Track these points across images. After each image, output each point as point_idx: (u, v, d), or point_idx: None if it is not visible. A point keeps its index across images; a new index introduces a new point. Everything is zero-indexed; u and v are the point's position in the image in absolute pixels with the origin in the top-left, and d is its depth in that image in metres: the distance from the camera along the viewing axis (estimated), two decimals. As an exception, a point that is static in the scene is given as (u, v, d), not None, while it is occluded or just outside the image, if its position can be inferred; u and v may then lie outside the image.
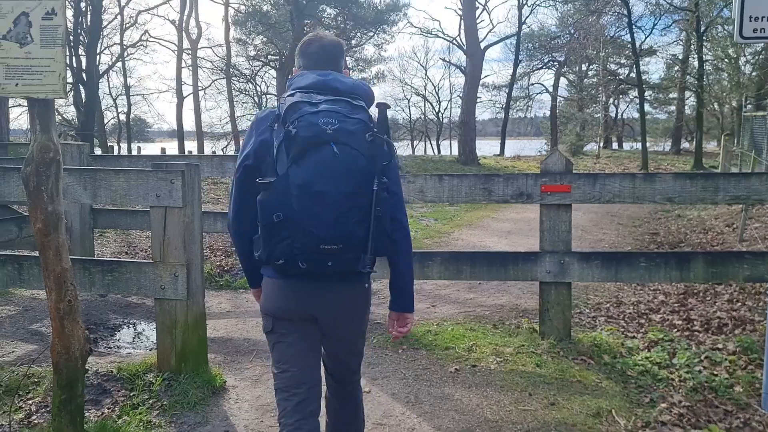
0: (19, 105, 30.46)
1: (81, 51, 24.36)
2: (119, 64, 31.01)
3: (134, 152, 29.11)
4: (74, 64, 23.95)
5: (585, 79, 41.60)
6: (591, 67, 40.63)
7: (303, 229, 2.04)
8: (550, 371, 3.97)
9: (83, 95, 23.27)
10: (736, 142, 16.80)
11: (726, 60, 23.34)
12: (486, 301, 5.77)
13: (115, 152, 26.53)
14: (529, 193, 4.39)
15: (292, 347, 2.28)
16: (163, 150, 21.38)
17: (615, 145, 45.63)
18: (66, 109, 30.67)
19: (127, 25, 29.06)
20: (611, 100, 38.94)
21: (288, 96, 2.17)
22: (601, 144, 34.12)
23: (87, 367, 4.02)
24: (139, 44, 30.57)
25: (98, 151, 21.25)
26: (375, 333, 4.79)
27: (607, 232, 9.95)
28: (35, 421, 3.32)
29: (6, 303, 5.63)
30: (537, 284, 4.60)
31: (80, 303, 2.95)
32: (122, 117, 34.98)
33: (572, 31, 36.46)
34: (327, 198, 2.04)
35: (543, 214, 4.41)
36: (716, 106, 30.97)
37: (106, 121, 32.99)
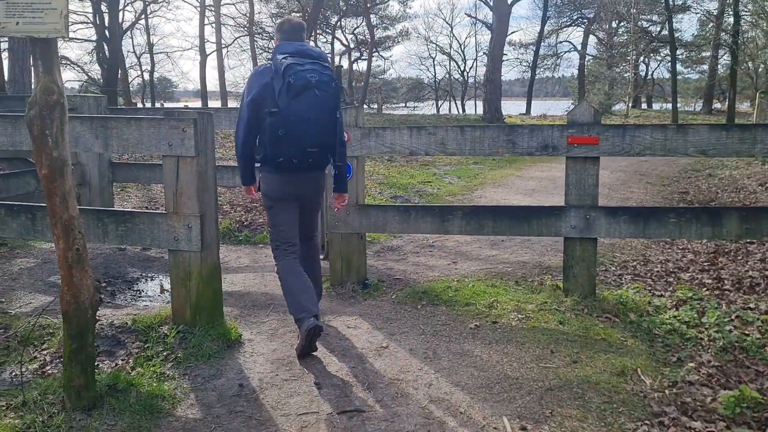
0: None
1: (104, 8, 24.22)
2: (142, 21, 30.80)
3: (158, 111, 29.19)
4: (97, 21, 23.80)
5: (615, 37, 40.47)
6: (621, 24, 39.47)
7: (297, 139, 3.53)
8: (574, 328, 3.85)
9: (107, 52, 23.17)
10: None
11: (763, 16, 22.42)
12: (509, 257, 5.64)
13: (139, 110, 26.49)
14: (554, 145, 4.21)
15: (285, 216, 3.78)
16: (186, 107, 21.26)
17: (644, 106, 44.59)
18: (90, 67, 30.73)
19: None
20: (641, 58, 37.85)
21: (282, 59, 3.54)
22: (630, 104, 33.28)
23: (102, 319, 4.01)
24: (161, 0, 30.27)
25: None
26: (394, 288, 4.70)
27: (635, 190, 9.70)
28: (49, 371, 3.29)
29: (25, 255, 5.63)
30: (561, 242, 4.46)
31: (88, 252, 2.88)
32: (146, 76, 34.99)
33: (603, -15, 35.35)
34: (312, 121, 3.52)
35: (569, 167, 4.23)
36: (750, 65, 29.96)
37: (130, 79, 32.99)
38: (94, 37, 26.59)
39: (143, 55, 32.60)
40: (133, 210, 4.21)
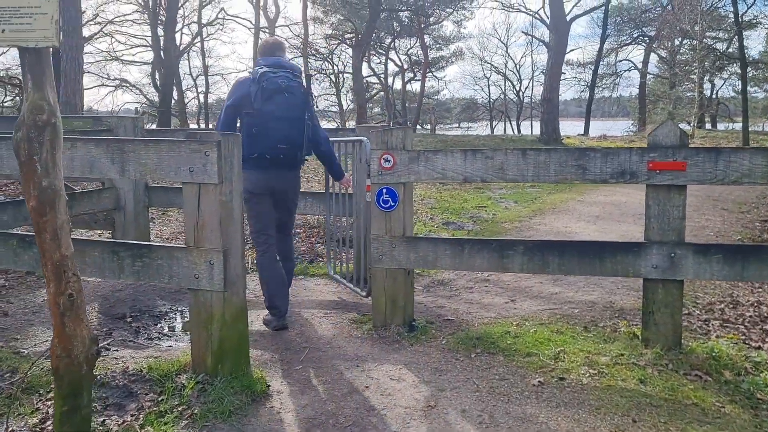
0: (104, 85, 31.35)
1: (160, 32, 24.63)
2: (198, 43, 31.23)
3: (212, 131, 29.44)
4: (154, 43, 24.18)
5: (678, 55, 39.06)
6: (684, 41, 38.06)
7: (269, 136, 4.13)
8: (658, 389, 3.24)
9: (161, 75, 23.51)
10: None
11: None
12: (574, 296, 5.03)
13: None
14: (633, 171, 3.62)
15: (260, 208, 4.28)
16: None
17: (708, 126, 42.79)
18: (149, 89, 31.33)
19: (205, 2, 29.10)
20: (706, 76, 36.34)
21: (259, 69, 4.18)
22: (695, 124, 31.88)
23: (118, 363, 3.60)
24: (216, 22, 30.64)
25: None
26: (445, 332, 4.16)
27: (710, 218, 8.88)
28: (48, 428, 2.88)
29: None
30: (634, 278, 3.84)
31: (83, 297, 2.46)
32: (202, 98, 35.54)
33: (664, 2, 34.21)
34: (282, 120, 4.16)
35: (650, 197, 3.64)
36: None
37: (186, 101, 33.49)
38: (150, 59, 27.13)
39: (199, 77, 33.15)
40: (151, 244, 3.81)
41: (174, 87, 23.61)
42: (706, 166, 3.52)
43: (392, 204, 4.11)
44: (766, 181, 3.47)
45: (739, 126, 39.95)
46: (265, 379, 3.41)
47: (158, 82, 24.25)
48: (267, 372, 3.54)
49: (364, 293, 4.88)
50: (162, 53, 23.15)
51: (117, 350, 3.94)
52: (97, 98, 35.21)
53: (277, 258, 4.39)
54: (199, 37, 30.49)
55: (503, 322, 4.32)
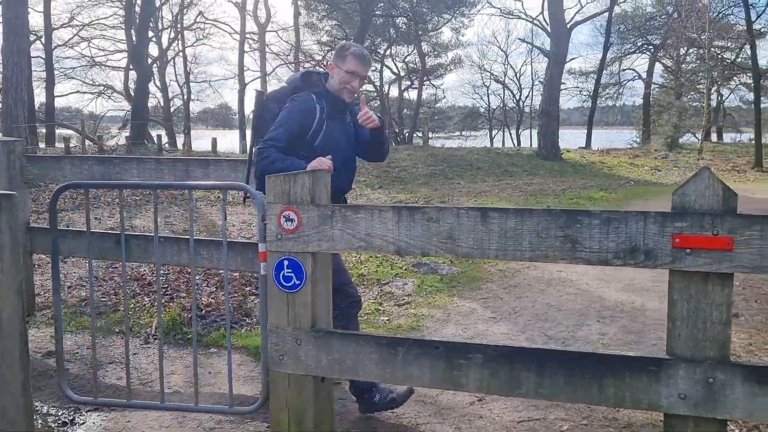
0: (80, 92, 30.03)
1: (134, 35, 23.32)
2: (181, 49, 29.86)
3: (195, 142, 28.11)
4: (128, 48, 22.89)
5: (683, 65, 37.81)
6: (690, 51, 36.82)
7: None
8: None
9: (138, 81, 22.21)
10: None
11: None
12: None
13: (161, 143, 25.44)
14: (649, 249, 2.34)
15: None
16: (214, 140, 19.98)
17: (714, 137, 41.49)
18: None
19: (186, 6, 27.76)
20: (714, 87, 35.07)
21: None
22: (703, 136, 30.60)
23: None
24: (195, 26, 29.35)
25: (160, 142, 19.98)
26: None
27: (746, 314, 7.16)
28: None
29: None
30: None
31: None
32: (192, 105, 34.25)
33: (670, 10, 32.98)
34: None
35: (676, 289, 2.35)
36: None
37: (173, 108, 32.28)
38: (123, 63, 25.84)
39: (186, 84, 31.73)
40: None
41: (149, 95, 22.35)
42: (766, 245, 2.23)
43: (297, 282, 2.83)
44: None
45: (745, 137, 38.80)
46: None
47: (129, 90, 23.03)
48: None
49: (255, 405, 3.57)
50: (131, 58, 21.88)
51: None
52: (82, 104, 33.78)
53: None
54: (179, 42, 29.20)
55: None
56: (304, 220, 2.76)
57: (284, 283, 2.85)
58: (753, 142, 23.73)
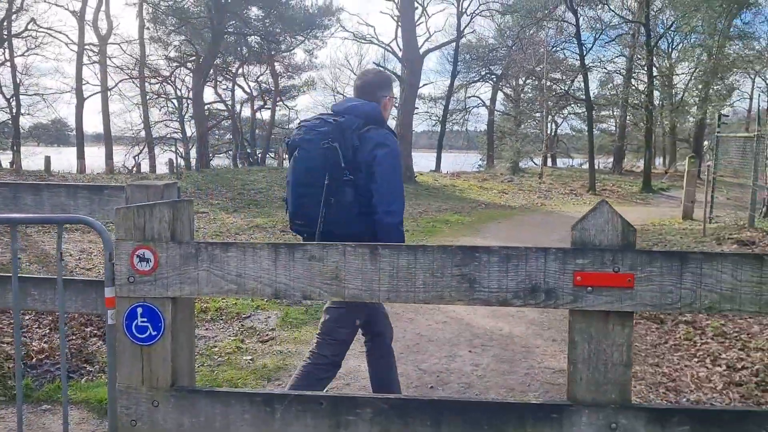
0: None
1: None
2: (9, 58, 26.96)
3: (26, 160, 25.57)
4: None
5: (522, 94, 40.40)
6: (527, 81, 39.43)
7: (286, 204, 3.29)
8: None
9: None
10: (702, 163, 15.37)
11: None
12: None
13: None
14: (549, 288, 2.19)
15: None
16: (48, 159, 18.21)
17: (549, 162, 44.65)
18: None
19: (15, 10, 25.13)
20: (550, 116, 37.74)
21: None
22: (542, 162, 32.79)
23: None
24: (25, 35, 26.79)
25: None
26: None
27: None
28: None
29: None
30: None
31: None
32: (24, 119, 31.09)
33: (510, 43, 35.08)
34: (291, 186, 3.16)
35: (576, 330, 2.22)
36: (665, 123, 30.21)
37: (-2, 122, 29.22)
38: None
39: (14, 98, 28.55)
40: None
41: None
42: (665, 282, 2.16)
43: (153, 333, 2.39)
44: (757, 309, 2.17)
45: (576, 162, 42.14)
46: None
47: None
48: None
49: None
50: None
51: None
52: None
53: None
54: (5, 50, 26.43)
55: None
56: (163, 260, 2.35)
57: (138, 335, 2.41)
58: (583, 166, 25.74)
